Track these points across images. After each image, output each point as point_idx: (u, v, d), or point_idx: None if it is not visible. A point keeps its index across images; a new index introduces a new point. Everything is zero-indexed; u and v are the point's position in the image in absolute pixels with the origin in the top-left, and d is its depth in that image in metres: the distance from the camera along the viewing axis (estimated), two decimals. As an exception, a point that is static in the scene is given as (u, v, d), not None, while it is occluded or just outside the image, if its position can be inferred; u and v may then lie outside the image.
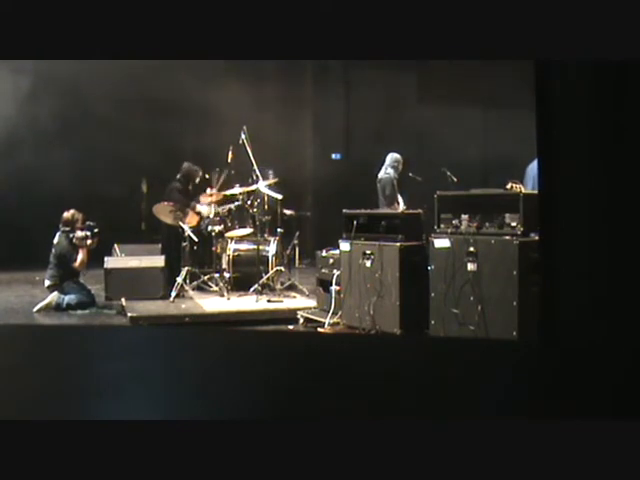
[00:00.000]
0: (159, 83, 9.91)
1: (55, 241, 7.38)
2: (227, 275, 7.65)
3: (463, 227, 4.95)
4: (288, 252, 8.65)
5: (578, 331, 2.71)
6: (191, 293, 7.32)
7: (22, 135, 9.91)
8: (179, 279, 7.22)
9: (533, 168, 5.98)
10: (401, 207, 7.88)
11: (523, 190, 4.93)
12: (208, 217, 7.76)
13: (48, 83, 9.53)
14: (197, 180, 8.18)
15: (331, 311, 5.96)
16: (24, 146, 9.95)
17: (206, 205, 7.84)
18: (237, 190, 7.82)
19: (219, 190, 7.98)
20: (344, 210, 6.00)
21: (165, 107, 10.29)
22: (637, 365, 2.15)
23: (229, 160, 7.99)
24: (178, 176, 8.13)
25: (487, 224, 4.81)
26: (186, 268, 7.38)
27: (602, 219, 2.64)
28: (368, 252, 5.57)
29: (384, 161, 8.06)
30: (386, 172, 7.97)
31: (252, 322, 6.40)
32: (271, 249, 7.68)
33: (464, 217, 4.96)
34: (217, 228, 7.64)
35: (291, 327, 6.29)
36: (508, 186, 4.97)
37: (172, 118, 10.50)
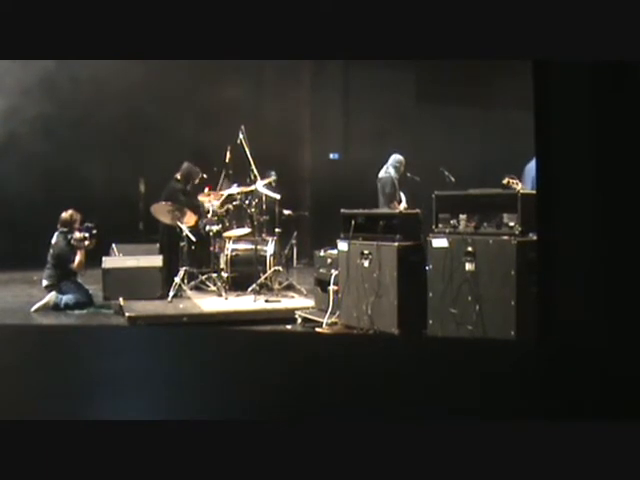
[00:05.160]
0: (158, 82, 9.90)
1: (53, 241, 7.36)
2: (225, 275, 7.65)
3: (461, 227, 4.96)
4: (286, 252, 8.65)
5: (576, 331, 2.72)
6: (189, 293, 7.31)
7: (20, 136, 9.88)
8: (177, 279, 7.22)
9: (531, 168, 5.99)
10: (403, 205, 7.98)
11: (520, 185, 4.94)
12: (207, 216, 7.76)
13: (46, 81, 9.51)
14: (197, 181, 8.17)
15: (329, 311, 5.96)
16: (22, 146, 9.93)
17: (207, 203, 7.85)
18: (235, 190, 7.82)
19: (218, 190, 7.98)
20: (342, 210, 6.00)
21: (163, 107, 10.28)
22: (635, 365, 2.15)
23: (227, 160, 7.98)
24: (177, 176, 8.09)
25: (485, 224, 4.81)
26: (184, 268, 7.38)
27: (600, 218, 2.64)
28: (366, 252, 5.57)
29: (386, 161, 8.18)
30: (386, 171, 8.10)
31: (250, 322, 6.39)
32: (269, 249, 7.68)
33: (462, 217, 4.96)
34: (215, 228, 7.64)
35: (289, 327, 6.28)
36: (505, 181, 4.97)
37: (171, 118, 10.49)
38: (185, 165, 8.15)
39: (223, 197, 7.83)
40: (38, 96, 9.37)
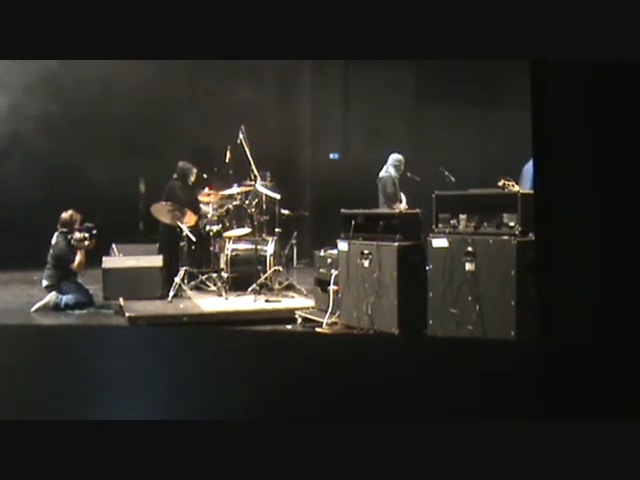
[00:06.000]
0: (159, 82, 9.90)
1: (53, 242, 7.36)
2: (225, 275, 7.65)
3: (461, 227, 4.96)
4: (286, 252, 8.65)
5: (576, 331, 2.72)
6: (189, 293, 7.31)
7: (22, 134, 9.87)
8: (177, 279, 7.22)
9: (530, 168, 5.99)
10: (403, 205, 7.97)
11: (516, 187, 4.94)
12: (207, 216, 7.77)
13: (49, 80, 9.50)
14: (193, 177, 8.16)
15: (329, 311, 5.96)
16: (24, 145, 9.92)
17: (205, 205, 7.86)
18: (235, 190, 7.82)
19: (217, 189, 7.99)
20: (342, 210, 6.00)
21: (164, 107, 10.28)
22: (635, 365, 2.15)
23: (227, 160, 7.98)
24: (175, 176, 8.12)
25: (485, 224, 4.81)
26: (184, 268, 7.38)
27: (598, 218, 2.64)
28: (366, 252, 5.57)
29: (386, 161, 8.19)
30: (387, 171, 8.11)
31: (250, 322, 6.39)
32: (269, 249, 7.68)
33: (462, 217, 4.96)
34: (215, 228, 7.64)
35: (289, 327, 6.29)
36: (500, 183, 4.96)
37: (172, 118, 10.49)
38: (180, 164, 8.17)
39: (219, 197, 7.83)
40: (41, 95, 9.36)
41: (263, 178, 8.29)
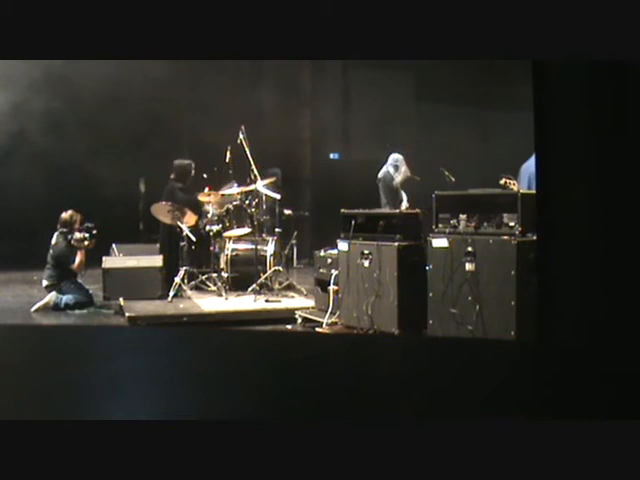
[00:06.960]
0: (158, 82, 9.89)
1: (53, 242, 7.36)
2: (225, 275, 7.65)
3: (461, 227, 4.96)
4: (286, 252, 8.66)
5: (575, 330, 2.72)
6: (189, 293, 7.32)
7: (25, 133, 9.86)
8: (177, 279, 7.22)
9: (527, 168, 5.99)
10: (404, 205, 7.96)
11: (516, 185, 4.94)
12: (207, 216, 7.77)
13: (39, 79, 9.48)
14: (192, 173, 8.14)
15: (329, 311, 5.96)
16: (26, 144, 9.91)
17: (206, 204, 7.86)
18: (235, 190, 7.82)
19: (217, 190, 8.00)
20: (342, 210, 6.01)
21: (163, 106, 10.28)
22: (635, 364, 2.15)
23: (227, 160, 7.98)
24: (172, 176, 8.10)
25: (485, 224, 4.81)
26: (184, 268, 7.38)
27: (599, 218, 2.65)
28: (366, 252, 5.57)
29: (386, 160, 8.19)
30: (386, 171, 8.10)
31: (250, 322, 6.40)
32: (269, 249, 7.68)
33: (462, 217, 4.96)
34: (215, 228, 7.64)
35: (289, 327, 6.29)
36: (502, 181, 4.96)
37: (170, 117, 10.48)
38: (175, 163, 8.16)
39: (219, 197, 7.83)
40: (45, 92, 9.34)
41: (273, 175, 8.30)
